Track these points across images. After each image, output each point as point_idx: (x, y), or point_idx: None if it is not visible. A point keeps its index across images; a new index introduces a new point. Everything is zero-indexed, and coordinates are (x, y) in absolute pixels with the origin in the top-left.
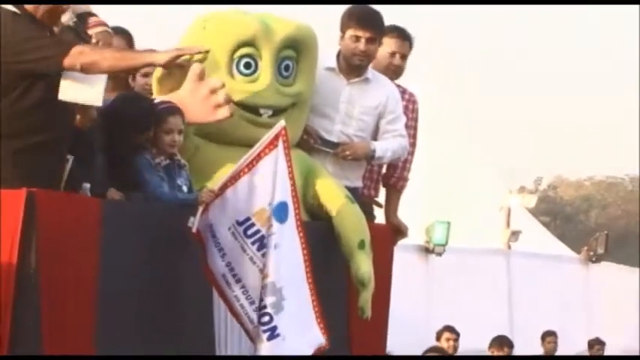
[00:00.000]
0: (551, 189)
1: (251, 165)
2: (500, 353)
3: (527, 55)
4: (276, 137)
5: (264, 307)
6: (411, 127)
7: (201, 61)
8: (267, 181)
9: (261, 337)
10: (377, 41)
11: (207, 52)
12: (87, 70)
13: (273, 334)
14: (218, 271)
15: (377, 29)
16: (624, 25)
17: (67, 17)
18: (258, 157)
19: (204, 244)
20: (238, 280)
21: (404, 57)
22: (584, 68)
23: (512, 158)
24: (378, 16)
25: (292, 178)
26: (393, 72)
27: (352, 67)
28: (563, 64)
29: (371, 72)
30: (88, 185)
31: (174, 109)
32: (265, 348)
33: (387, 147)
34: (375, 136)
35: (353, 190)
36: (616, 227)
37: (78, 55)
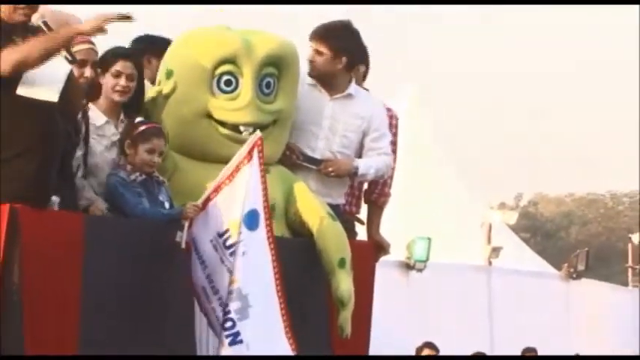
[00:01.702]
0: (531, 205)
1: (231, 177)
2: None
3: (509, 70)
4: (252, 147)
5: (229, 312)
6: (392, 143)
7: (127, 18)
8: (242, 191)
9: (223, 342)
10: (324, 54)
11: (129, 17)
12: (22, 67)
13: (235, 339)
14: (199, 284)
15: (323, 42)
16: (606, 38)
17: (35, 17)
18: (237, 169)
19: (189, 258)
20: (216, 292)
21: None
22: (565, 85)
23: (493, 174)
24: (329, 30)
25: (265, 189)
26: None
27: (331, 82)
28: (545, 81)
29: (354, 88)
30: (57, 199)
31: (159, 130)
32: (226, 353)
33: (370, 164)
34: (359, 153)
35: (335, 207)
36: (597, 244)
37: (6, 57)
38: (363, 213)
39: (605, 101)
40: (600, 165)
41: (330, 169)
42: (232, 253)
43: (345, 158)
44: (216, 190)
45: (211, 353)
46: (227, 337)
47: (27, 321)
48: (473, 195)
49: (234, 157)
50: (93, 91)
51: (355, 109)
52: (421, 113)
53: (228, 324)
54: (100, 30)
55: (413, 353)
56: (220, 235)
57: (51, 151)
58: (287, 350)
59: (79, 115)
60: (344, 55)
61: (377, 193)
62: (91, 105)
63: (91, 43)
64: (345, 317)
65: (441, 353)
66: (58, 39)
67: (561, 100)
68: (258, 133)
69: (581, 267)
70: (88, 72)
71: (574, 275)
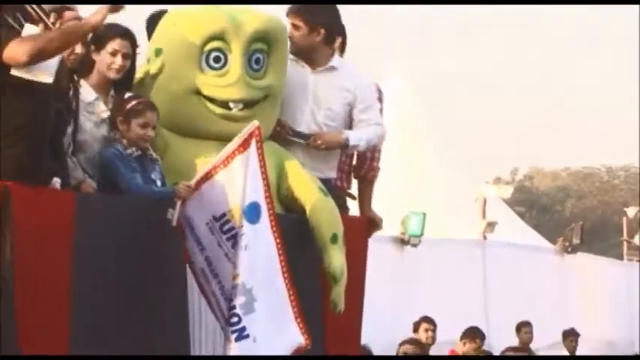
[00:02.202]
0: (527, 179)
1: (226, 161)
2: (473, 345)
3: (504, 43)
4: (250, 136)
5: (234, 307)
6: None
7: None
8: (239, 179)
9: (230, 338)
10: (301, 28)
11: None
12: (39, 57)
13: (241, 335)
14: (198, 266)
15: (299, 16)
16: (605, 11)
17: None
18: (233, 155)
19: (185, 238)
20: (215, 275)
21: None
22: (561, 57)
23: (489, 149)
24: (304, 4)
25: (266, 179)
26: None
27: (311, 57)
28: (541, 53)
29: (337, 60)
30: (58, 180)
31: (151, 105)
32: (233, 349)
33: (360, 135)
34: (348, 126)
35: (326, 182)
36: (592, 217)
37: (24, 46)
38: (354, 188)
39: (602, 75)
40: (596, 139)
41: (320, 141)
42: (230, 238)
43: (333, 131)
44: (211, 172)
45: (204, 332)
46: (233, 332)
47: (18, 298)
48: (468, 170)
49: (230, 144)
50: (84, 67)
51: (339, 81)
52: (415, 89)
53: (234, 319)
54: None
55: (409, 328)
56: (217, 218)
57: (42, 131)
58: (298, 337)
59: (70, 92)
60: (321, 28)
61: (366, 168)
62: (81, 81)
63: (81, 19)
64: (338, 292)
65: (436, 328)
66: (78, 35)
67: (558, 73)
68: (256, 122)
69: (576, 241)
70: (78, 49)
71: (569, 249)
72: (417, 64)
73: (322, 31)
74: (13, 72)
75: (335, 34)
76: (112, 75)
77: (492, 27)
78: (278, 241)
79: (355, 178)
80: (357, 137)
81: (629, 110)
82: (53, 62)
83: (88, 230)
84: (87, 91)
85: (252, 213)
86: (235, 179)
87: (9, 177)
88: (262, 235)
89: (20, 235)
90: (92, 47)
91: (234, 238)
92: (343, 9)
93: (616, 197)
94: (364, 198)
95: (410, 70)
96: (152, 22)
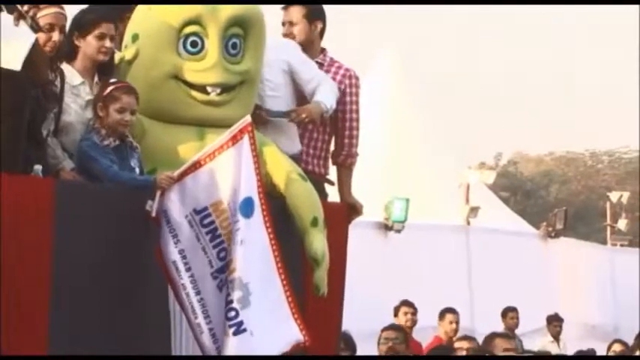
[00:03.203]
0: (511, 164)
1: (212, 155)
2: (449, 320)
3: (488, 28)
4: (241, 132)
5: (231, 302)
6: (354, 103)
7: None
8: (227, 174)
9: (228, 332)
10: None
11: None
12: None
13: (239, 329)
14: (169, 257)
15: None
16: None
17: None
18: (221, 149)
19: (160, 229)
20: (188, 269)
21: (291, 24)
22: (544, 42)
23: (472, 134)
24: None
25: (259, 174)
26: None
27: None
28: (525, 38)
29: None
30: (39, 167)
31: (128, 89)
32: (232, 343)
33: (327, 95)
34: (292, 96)
35: (295, 159)
36: (576, 202)
37: None
38: (332, 174)
39: (586, 60)
40: (579, 123)
41: (304, 115)
42: (209, 232)
43: (310, 104)
44: (196, 165)
45: (184, 323)
46: (231, 326)
47: None
48: (452, 155)
49: (221, 137)
50: (66, 54)
51: (265, 56)
52: (399, 75)
53: (232, 314)
54: None
55: (391, 314)
56: (197, 212)
57: (18, 120)
58: (296, 334)
59: (52, 77)
60: (319, 21)
61: (344, 154)
62: (66, 65)
63: (59, 7)
64: (320, 276)
65: (420, 314)
66: None
67: (541, 58)
68: (248, 118)
69: (559, 226)
70: (56, 36)
71: (552, 234)
72: (402, 51)
73: (319, 24)
74: None
75: (323, 21)
76: (102, 57)
77: (478, 14)
78: (272, 236)
79: (334, 164)
80: (327, 98)
81: (614, 95)
82: (22, 49)
83: (68, 217)
84: (72, 75)
85: (246, 208)
86: (221, 174)
87: None
88: (256, 229)
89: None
90: (76, 33)
91: (213, 233)
92: None
93: (600, 182)
94: (343, 184)
95: (395, 56)
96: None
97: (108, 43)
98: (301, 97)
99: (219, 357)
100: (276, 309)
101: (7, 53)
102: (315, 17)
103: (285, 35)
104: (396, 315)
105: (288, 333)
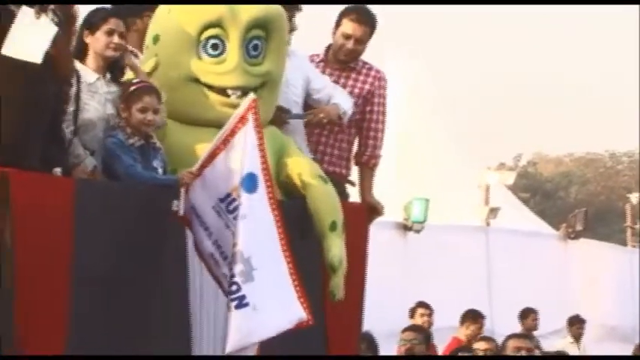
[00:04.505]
0: (530, 165)
1: (226, 141)
2: (477, 325)
3: (508, 30)
4: (247, 110)
5: (233, 275)
6: (381, 105)
7: None
8: (239, 156)
9: (230, 306)
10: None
11: None
12: None
13: (241, 302)
14: (207, 252)
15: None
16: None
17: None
18: (232, 133)
19: (191, 227)
20: (225, 258)
21: (359, 41)
22: (564, 44)
23: (492, 135)
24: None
25: (263, 150)
26: (345, 55)
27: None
28: (545, 40)
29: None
30: (59, 170)
31: (150, 88)
32: (234, 317)
33: (343, 100)
34: (305, 103)
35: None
36: (596, 203)
37: None
38: (354, 175)
39: (604, 60)
40: (599, 124)
41: (322, 115)
42: (237, 217)
43: (329, 105)
44: (212, 156)
45: (205, 319)
46: (232, 300)
47: (18, 285)
48: (471, 156)
49: (229, 121)
50: (79, 52)
51: (292, 63)
52: (419, 74)
53: (233, 287)
54: None
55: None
56: (222, 200)
57: (37, 114)
58: (299, 312)
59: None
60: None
61: (367, 155)
62: (79, 63)
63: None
64: (336, 282)
65: (439, 315)
66: None
67: (560, 60)
68: (252, 95)
69: (579, 227)
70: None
71: (572, 235)
72: (422, 50)
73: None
74: (3, 52)
75: None
76: (110, 53)
77: (500, 14)
78: (276, 213)
79: (356, 165)
80: (345, 104)
81: (633, 96)
82: (43, 42)
83: (88, 216)
84: (87, 73)
85: (249, 183)
86: (235, 157)
87: (3, 161)
88: (259, 205)
89: (19, 222)
90: (86, 31)
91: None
92: None
93: (619, 183)
94: (365, 184)
95: (415, 55)
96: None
97: (117, 39)
98: (309, 107)
99: (223, 357)
100: (280, 286)
101: (27, 47)
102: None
103: (351, 51)
104: (412, 316)
105: (292, 311)
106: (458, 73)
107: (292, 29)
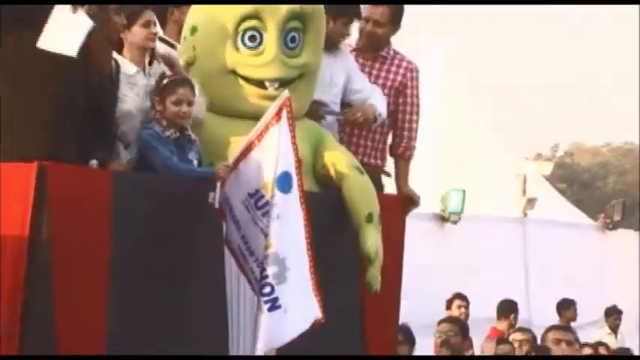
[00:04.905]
0: (567, 156)
1: (260, 137)
2: (507, 322)
3: (545, 20)
4: (281, 108)
5: (266, 277)
6: (415, 96)
7: None
8: (272, 152)
9: (262, 308)
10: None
11: None
12: None
13: (274, 305)
14: (235, 245)
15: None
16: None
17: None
18: (266, 129)
19: (224, 219)
20: (252, 253)
21: (377, 23)
22: (602, 34)
23: (529, 125)
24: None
25: (295, 149)
26: (367, 38)
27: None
28: (583, 30)
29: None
30: (95, 162)
31: (183, 80)
32: (265, 319)
33: (378, 102)
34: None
35: None
36: (634, 193)
37: None
38: (389, 166)
39: None
40: (636, 114)
41: (359, 114)
42: (264, 214)
43: (364, 104)
44: (247, 150)
45: (242, 315)
46: (266, 302)
47: (56, 278)
48: (508, 146)
49: (263, 117)
50: (116, 42)
51: (338, 62)
52: (457, 65)
53: (267, 289)
54: None
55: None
56: (251, 195)
57: (72, 108)
58: (315, 311)
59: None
60: (399, 22)
61: (403, 146)
62: (117, 55)
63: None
64: (373, 274)
65: (476, 306)
66: None
67: (598, 49)
68: (286, 92)
69: (617, 217)
70: (116, 18)
71: (610, 226)
72: (459, 40)
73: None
74: (39, 45)
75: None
76: (151, 44)
77: (534, 5)
78: (305, 212)
79: (392, 156)
80: (380, 106)
81: None
82: (79, 35)
83: (126, 209)
84: (126, 65)
85: (283, 182)
86: (268, 153)
87: (34, 150)
88: (293, 204)
89: (57, 215)
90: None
91: (269, 213)
92: None
93: None
94: (401, 176)
95: (451, 46)
96: None
97: (154, 29)
98: (344, 105)
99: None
100: (303, 286)
101: (63, 40)
102: (398, 19)
103: (369, 33)
104: (448, 308)
105: (310, 310)
106: (496, 62)
107: (345, 35)
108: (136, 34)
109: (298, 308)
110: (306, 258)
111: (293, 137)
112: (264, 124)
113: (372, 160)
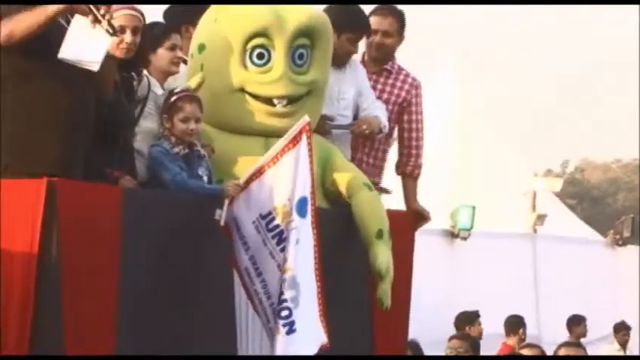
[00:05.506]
0: (578, 172)
1: (275, 159)
2: (516, 337)
3: (552, 33)
4: (300, 132)
5: (285, 300)
6: (419, 113)
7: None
8: (288, 175)
9: (281, 331)
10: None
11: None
12: (9, 39)
13: (291, 328)
14: (242, 265)
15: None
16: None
17: None
18: (282, 152)
19: (230, 237)
20: (259, 274)
21: (386, 33)
22: (609, 50)
23: (539, 141)
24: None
25: (312, 174)
26: (376, 50)
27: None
28: (590, 43)
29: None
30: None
31: (191, 97)
32: (281, 342)
33: (383, 116)
34: (355, 115)
35: None
36: None
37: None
38: (387, 182)
39: None
40: None
41: (364, 126)
42: (275, 236)
43: (370, 116)
44: (259, 171)
45: (251, 331)
46: (284, 325)
47: (65, 294)
48: (518, 162)
49: (279, 141)
50: (140, 61)
51: (348, 76)
52: (465, 79)
53: (285, 312)
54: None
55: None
56: (263, 217)
57: (83, 121)
58: (322, 336)
59: (137, 82)
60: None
61: (412, 165)
62: (146, 73)
63: (133, 9)
64: (384, 290)
65: (487, 322)
66: (45, 13)
67: (607, 66)
68: (307, 118)
69: (627, 233)
70: (128, 38)
71: (620, 242)
72: (468, 54)
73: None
74: (60, 56)
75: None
76: (175, 68)
77: (542, 19)
78: (317, 236)
79: (399, 174)
80: (384, 119)
81: None
82: (100, 50)
83: (135, 226)
84: (155, 85)
85: (302, 208)
86: (283, 176)
87: (43, 166)
88: (308, 229)
89: (66, 232)
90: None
91: (279, 236)
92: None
93: None
94: (410, 193)
95: (461, 62)
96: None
97: (179, 53)
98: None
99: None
100: (312, 309)
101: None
102: (404, 29)
103: (378, 45)
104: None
105: (316, 335)
106: (506, 77)
107: (351, 51)
108: (160, 57)
109: (308, 332)
110: (315, 282)
111: (311, 162)
112: (280, 147)
113: (371, 178)
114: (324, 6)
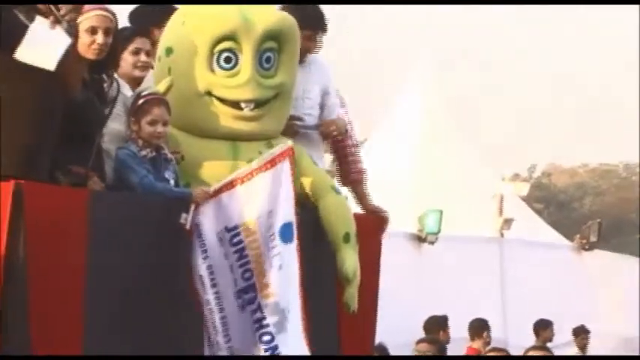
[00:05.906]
0: (544, 176)
1: (250, 175)
2: (481, 340)
3: (520, 39)
4: (281, 155)
5: (266, 325)
6: (349, 122)
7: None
8: (262, 196)
9: (260, 348)
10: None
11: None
12: None
13: (274, 352)
14: (196, 271)
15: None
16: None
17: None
18: (258, 171)
19: (190, 242)
20: (214, 285)
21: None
22: (577, 53)
23: (506, 146)
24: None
25: (296, 199)
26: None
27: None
28: (557, 50)
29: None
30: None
31: (158, 100)
32: None
33: (344, 115)
34: (320, 114)
35: None
36: (610, 214)
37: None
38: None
39: (620, 71)
40: (614, 135)
41: (332, 127)
42: (237, 252)
43: (336, 118)
44: (232, 184)
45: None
46: (266, 350)
47: (32, 296)
48: (485, 167)
49: (256, 160)
50: (112, 61)
51: (312, 75)
52: (434, 84)
53: (267, 337)
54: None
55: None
56: (228, 229)
57: (48, 121)
58: (305, 350)
59: (108, 83)
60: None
61: (355, 172)
62: (118, 77)
63: (105, 9)
64: (351, 293)
65: (454, 326)
66: None
67: (574, 71)
68: (290, 142)
69: (593, 238)
70: (100, 39)
71: (586, 247)
72: (436, 61)
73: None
74: (17, 56)
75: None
76: (138, 73)
77: (512, 22)
78: (301, 259)
79: (345, 185)
80: (346, 118)
81: None
82: (57, 51)
83: (102, 228)
84: (125, 87)
85: (286, 233)
86: (256, 195)
87: (10, 165)
88: (293, 255)
89: (33, 234)
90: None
91: (240, 253)
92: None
93: (634, 194)
94: (362, 197)
95: (428, 67)
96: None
97: (143, 57)
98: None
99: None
100: (297, 328)
101: (45, 56)
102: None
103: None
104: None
105: (301, 351)
106: (472, 83)
107: (310, 48)
108: (125, 61)
109: (292, 349)
110: (299, 303)
111: (294, 188)
112: (258, 165)
113: None
114: (279, 5)
